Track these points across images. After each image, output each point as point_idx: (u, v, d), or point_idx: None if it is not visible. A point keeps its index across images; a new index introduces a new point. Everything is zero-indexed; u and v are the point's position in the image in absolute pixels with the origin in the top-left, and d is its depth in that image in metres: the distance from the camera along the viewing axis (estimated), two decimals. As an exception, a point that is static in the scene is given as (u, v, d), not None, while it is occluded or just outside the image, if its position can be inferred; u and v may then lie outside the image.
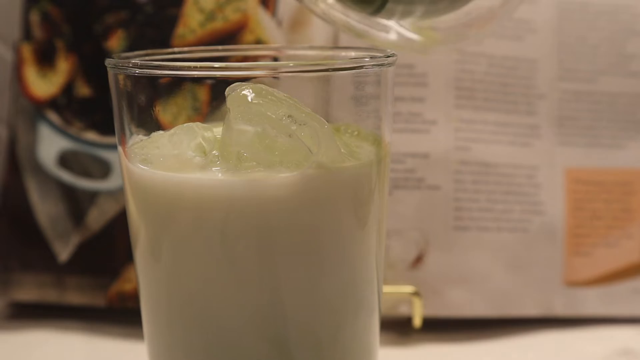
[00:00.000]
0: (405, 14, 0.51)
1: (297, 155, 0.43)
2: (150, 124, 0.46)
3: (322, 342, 0.45)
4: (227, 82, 0.43)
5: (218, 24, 0.62)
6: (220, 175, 0.43)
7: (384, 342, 0.57)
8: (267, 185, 0.43)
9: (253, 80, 0.44)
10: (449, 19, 0.53)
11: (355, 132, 0.47)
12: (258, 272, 0.44)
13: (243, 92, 0.43)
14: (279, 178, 0.43)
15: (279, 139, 0.43)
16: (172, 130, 0.45)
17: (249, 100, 0.43)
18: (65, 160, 0.63)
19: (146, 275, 0.46)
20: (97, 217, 0.62)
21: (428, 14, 0.51)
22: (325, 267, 0.44)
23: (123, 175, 0.47)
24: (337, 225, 0.45)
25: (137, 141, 0.46)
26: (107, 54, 0.62)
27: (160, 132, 0.46)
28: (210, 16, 0.62)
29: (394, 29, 0.53)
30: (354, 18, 0.52)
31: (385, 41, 0.54)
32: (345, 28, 0.53)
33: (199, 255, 0.44)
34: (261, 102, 0.43)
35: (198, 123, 0.45)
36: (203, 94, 0.49)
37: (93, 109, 0.63)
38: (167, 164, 0.44)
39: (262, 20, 0.62)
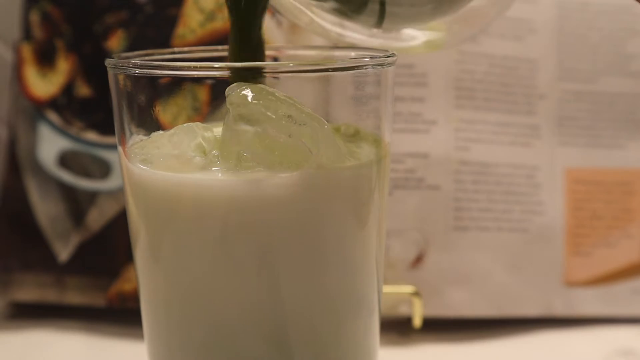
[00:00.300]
0: (405, 21, 0.51)
1: (297, 155, 0.43)
2: (150, 124, 0.46)
3: (322, 341, 0.45)
4: (227, 82, 0.43)
5: (218, 24, 0.62)
6: (220, 175, 0.43)
7: (384, 342, 0.57)
8: (267, 185, 0.43)
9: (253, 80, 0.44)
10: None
11: (356, 132, 0.47)
12: (258, 272, 0.44)
13: (243, 92, 0.43)
14: (279, 178, 0.43)
15: (279, 139, 0.43)
16: (172, 130, 0.45)
17: (249, 100, 0.43)
18: (65, 160, 0.63)
19: (146, 275, 0.46)
20: (97, 217, 0.62)
21: (424, 18, 0.51)
22: (325, 267, 0.44)
23: (123, 175, 0.47)
24: (337, 225, 0.44)
25: (137, 141, 0.46)
26: (107, 54, 0.62)
27: (160, 132, 0.46)
28: (210, 16, 0.62)
29: (402, 33, 0.53)
30: (351, 29, 0.52)
31: (384, 46, 0.53)
32: (337, 39, 0.53)
33: (199, 255, 0.44)
34: (261, 102, 0.43)
35: (198, 123, 0.45)
36: (203, 94, 0.48)
37: (93, 109, 0.63)
38: (167, 164, 0.44)
39: (262, 20, 0.62)
